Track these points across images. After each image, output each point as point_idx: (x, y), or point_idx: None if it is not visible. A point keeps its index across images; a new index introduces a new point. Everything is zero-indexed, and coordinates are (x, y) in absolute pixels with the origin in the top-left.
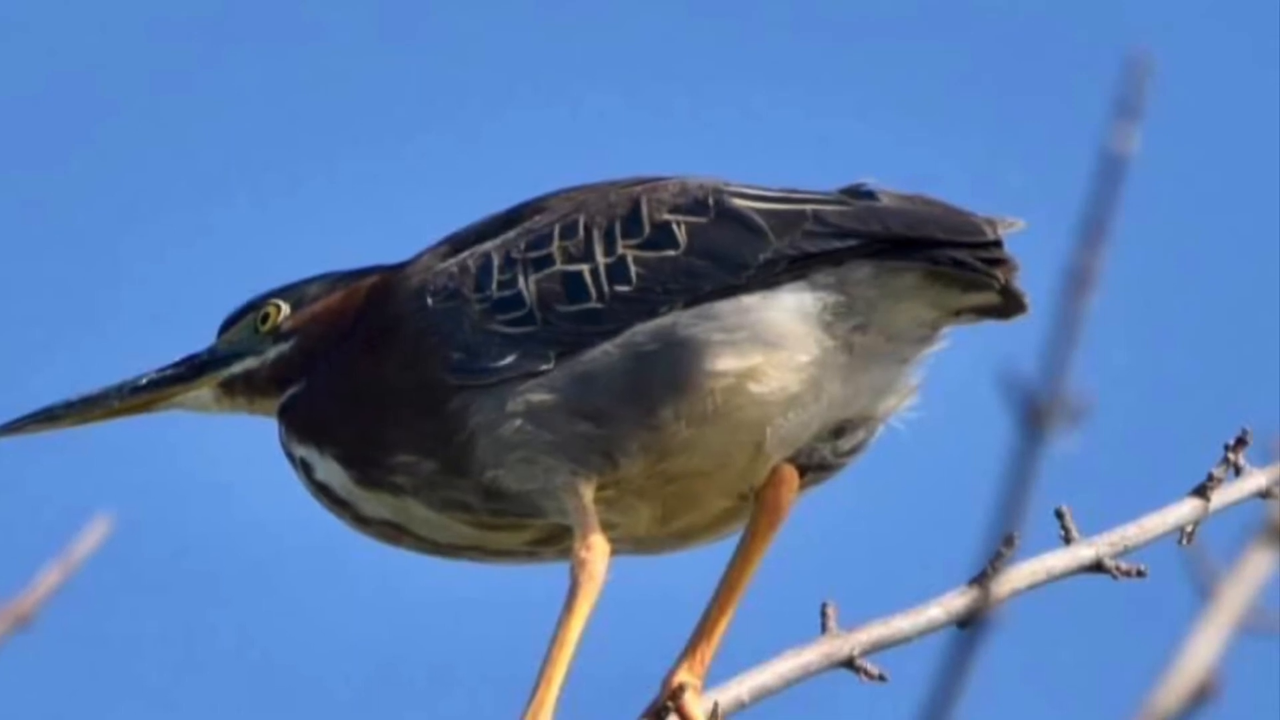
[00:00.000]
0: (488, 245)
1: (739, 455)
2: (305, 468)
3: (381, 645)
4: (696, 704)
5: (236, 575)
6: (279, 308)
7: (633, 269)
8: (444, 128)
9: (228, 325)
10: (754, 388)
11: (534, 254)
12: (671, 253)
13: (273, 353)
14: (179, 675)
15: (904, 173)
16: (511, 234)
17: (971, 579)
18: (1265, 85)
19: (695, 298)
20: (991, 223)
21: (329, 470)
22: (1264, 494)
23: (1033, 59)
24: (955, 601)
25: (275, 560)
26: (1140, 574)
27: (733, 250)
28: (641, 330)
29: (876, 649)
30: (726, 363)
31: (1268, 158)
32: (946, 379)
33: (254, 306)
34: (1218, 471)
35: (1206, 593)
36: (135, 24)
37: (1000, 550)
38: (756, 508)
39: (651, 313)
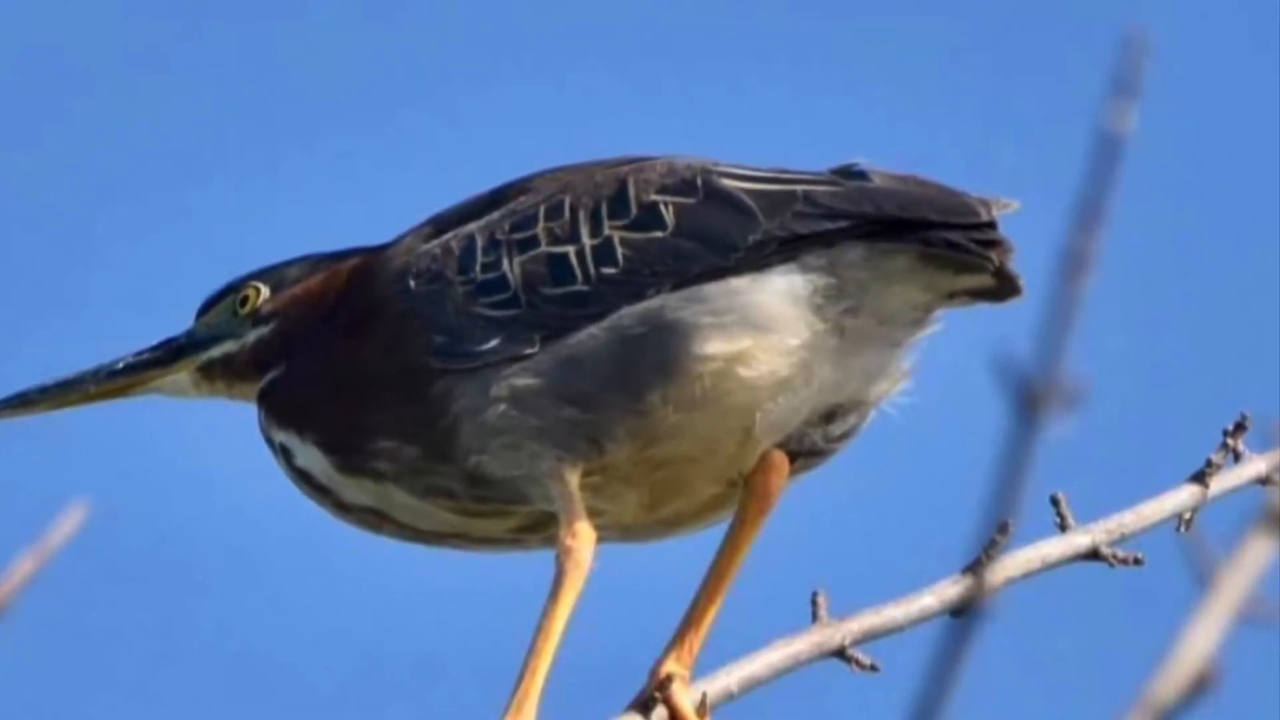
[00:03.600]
0: (471, 226)
1: (728, 441)
2: (285, 454)
3: (364, 635)
4: (684, 694)
5: (216, 564)
6: (258, 290)
7: (619, 251)
8: (426, 105)
9: (206, 308)
10: (743, 372)
11: (518, 235)
12: (659, 234)
13: (252, 336)
14: (158, 666)
15: (896, 152)
16: (495, 215)
17: (965, 567)
18: (1265, 66)
19: (683, 280)
20: (986, 203)
21: (309, 456)
22: (1264, 480)
23: (1028, 36)
24: (949, 590)
25: (256, 549)
26: (1138, 562)
27: (722, 232)
28: (628, 313)
29: (868, 638)
30: (715, 346)
31: (1267, 139)
32: (940, 363)
33: (233, 289)
34: (1216, 457)
35: (1205, 581)
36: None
37: (995, 538)
38: (746, 494)
39: (639, 295)
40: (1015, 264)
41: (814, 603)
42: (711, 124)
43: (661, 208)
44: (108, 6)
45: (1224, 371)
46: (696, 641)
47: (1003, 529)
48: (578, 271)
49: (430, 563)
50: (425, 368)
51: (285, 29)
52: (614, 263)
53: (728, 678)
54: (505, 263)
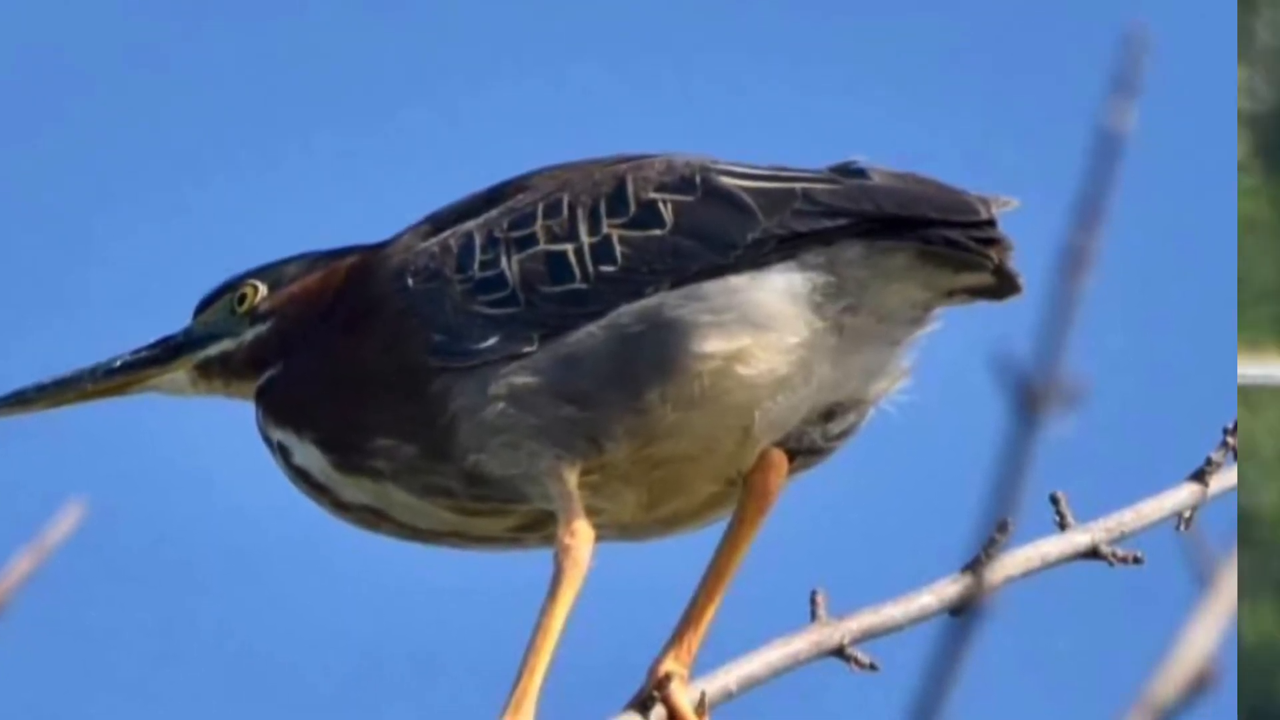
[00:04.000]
0: (469, 224)
1: (727, 439)
2: (283, 452)
3: (364, 635)
4: (683, 694)
5: (216, 564)
6: (256, 288)
7: (618, 249)
8: (425, 103)
9: (204, 306)
10: (742, 370)
11: (517, 233)
12: (658, 232)
13: (250, 334)
14: (157, 666)
15: (896, 150)
16: (494, 213)
17: (965, 565)
18: None
19: (682, 278)
20: (985, 201)
21: (307, 455)
22: None
23: (1028, 33)
24: (948, 589)
25: (256, 549)
26: (1137, 560)
27: (720, 230)
28: (627, 311)
29: (867, 637)
30: (714, 345)
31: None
32: (939, 361)
33: (231, 287)
34: (1216, 456)
35: (1205, 580)
36: None
37: (994, 536)
38: (744, 493)
39: (637, 293)
40: (1015, 262)
41: (813, 601)
42: (711, 123)
43: (660, 205)
44: (108, 6)
45: (1223, 370)
46: (695, 640)
47: (1002, 528)
48: (576, 270)
49: (430, 562)
50: (424, 366)
51: (285, 29)
52: (613, 261)
53: (726, 677)
54: (504, 261)
